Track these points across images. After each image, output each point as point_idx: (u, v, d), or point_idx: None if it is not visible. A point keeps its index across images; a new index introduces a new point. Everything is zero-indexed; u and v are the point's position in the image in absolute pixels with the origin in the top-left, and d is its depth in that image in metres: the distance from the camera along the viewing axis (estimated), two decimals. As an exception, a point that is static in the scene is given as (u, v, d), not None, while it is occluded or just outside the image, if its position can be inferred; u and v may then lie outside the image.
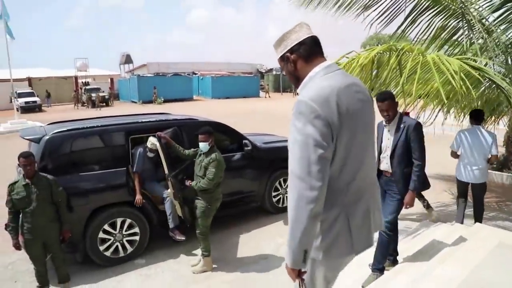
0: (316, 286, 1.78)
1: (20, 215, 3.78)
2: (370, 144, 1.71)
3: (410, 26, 6.10)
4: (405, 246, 4.27)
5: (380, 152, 3.67)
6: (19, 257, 3.95)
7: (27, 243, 3.79)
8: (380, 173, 3.68)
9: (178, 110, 6.43)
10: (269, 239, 5.42)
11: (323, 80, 1.53)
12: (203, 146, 4.35)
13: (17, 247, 3.82)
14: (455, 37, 6.19)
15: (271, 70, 54.95)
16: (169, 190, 4.78)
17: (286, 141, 5.95)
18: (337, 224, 1.59)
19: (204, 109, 24.58)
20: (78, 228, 4.45)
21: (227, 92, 38.42)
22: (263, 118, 19.69)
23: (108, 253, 4.68)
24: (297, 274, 1.55)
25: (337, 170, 1.55)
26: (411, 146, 3.42)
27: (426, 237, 4.52)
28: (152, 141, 4.84)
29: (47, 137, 4.46)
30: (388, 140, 3.57)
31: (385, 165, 3.59)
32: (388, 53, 5.00)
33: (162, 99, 33.34)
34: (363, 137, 1.62)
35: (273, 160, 6.16)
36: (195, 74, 44.37)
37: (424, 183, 3.56)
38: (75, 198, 4.42)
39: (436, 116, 6.63)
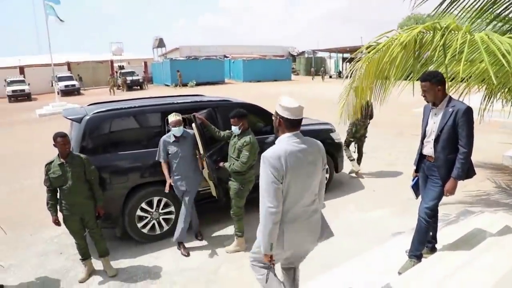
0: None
1: (58, 193, 3.97)
2: (311, 186, 2.50)
3: (455, 1, 5.70)
4: (444, 234, 4.11)
5: (424, 136, 3.50)
6: (63, 231, 4.16)
7: (66, 218, 3.99)
8: (422, 157, 3.53)
9: (210, 93, 6.49)
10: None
11: (283, 145, 2.39)
12: (235, 129, 4.38)
13: (56, 223, 4.01)
14: (507, 12, 5.73)
15: (303, 53, 54.05)
16: (204, 170, 4.84)
17: (320, 124, 5.82)
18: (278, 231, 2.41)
19: (235, 92, 24.58)
20: (117, 205, 4.62)
21: (258, 75, 38.23)
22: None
23: (145, 230, 4.84)
24: (269, 257, 2.44)
25: (283, 199, 2.39)
26: (458, 132, 3.21)
27: (466, 225, 4.34)
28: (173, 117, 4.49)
29: (88, 116, 4.61)
30: (433, 124, 3.38)
31: (429, 149, 3.43)
32: (431, 31, 4.74)
33: (195, 82, 33.71)
34: (304, 181, 2.44)
35: (307, 143, 6.08)
36: (227, 57, 44.37)
37: (469, 171, 3.36)
38: (114, 176, 4.58)
39: (486, 100, 6.24)
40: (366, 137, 7.39)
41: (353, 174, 7.46)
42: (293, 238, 2.47)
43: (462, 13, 5.72)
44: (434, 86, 3.26)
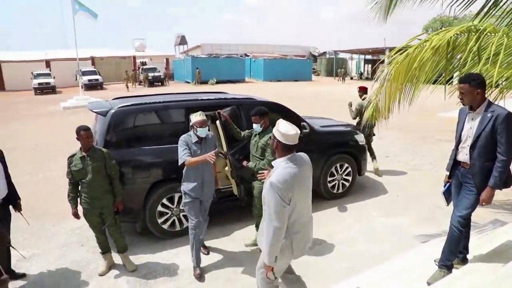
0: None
1: (79, 186, 3.98)
2: (309, 197, 2.82)
3: (493, 7, 5.47)
4: (475, 244, 3.92)
5: (459, 141, 3.32)
6: (85, 223, 4.17)
7: (86, 212, 4.00)
8: (456, 163, 3.37)
9: (231, 91, 6.45)
10: (323, 225, 5.29)
11: (286, 169, 2.58)
12: (256, 127, 4.33)
13: (75, 215, 4.02)
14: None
15: (324, 53, 53.57)
16: (226, 168, 4.79)
17: (344, 125, 5.66)
18: (284, 244, 2.66)
19: (256, 91, 24.55)
20: (138, 200, 4.62)
21: (279, 74, 38.10)
22: (318, 102, 19.29)
23: (165, 226, 4.83)
24: (271, 268, 2.66)
25: (289, 214, 2.62)
26: (496, 139, 3.02)
27: (498, 235, 4.13)
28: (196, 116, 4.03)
29: (113, 110, 4.62)
30: (470, 129, 3.20)
31: (464, 156, 3.25)
32: (466, 34, 4.55)
33: (215, 80, 33.84)
34: (305, 195, 2.75)
35: (330, 144, 5.97)
36: (248, 56, 44.39)
37: (507, 180, 3.17)
38: (136, 170, 4.58)
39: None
40: (374, 134, 7.41)
41: (374, 173, 7.46)
42: (299, 245, 2.77)
43: (501, 16, 5.48)
44: (473, 89, 3.08)
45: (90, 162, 3.86)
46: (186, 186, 4.08)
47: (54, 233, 5.20)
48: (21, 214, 4.03)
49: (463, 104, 3.26)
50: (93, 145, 3.97)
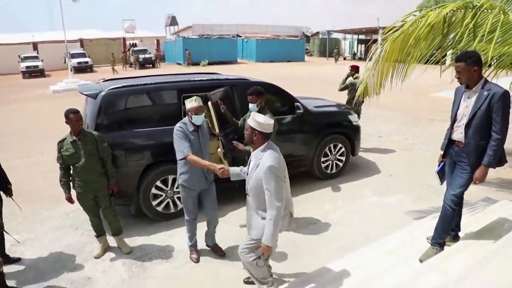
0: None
1: (71, 171, 3.90)
2: (287, 176, 3.03)
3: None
4: (466, 222, 3.98)
5: (454, 120, 3.30)
6: (78, 207, 4.14)
7: (79, 196, 3.96)
8: (451, 142, 3.37)
9: (223, 73, 6.35)
10: (317, 205, 5.33)
11: (274, 152, 2.85)
12: (252, 106, 4.26)
13: (69, 200, 3.99)
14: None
15: (317, 33, 53.03)
16: (219, 150, 4.76)
17: (338, 106, 5.59)
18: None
19: (248, 72, 24.30)
20: (132, 182, 4.59)
21: (271, 55, 37.72)
22: (311, 82, 19.18)
23: (160, 208, 4.82)
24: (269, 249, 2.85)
25: None
26: (492, 117, 3.01)
27: (490, 214, 4.20)
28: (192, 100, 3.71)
29: (104, 92, 4.52)
30: (466, 107, 3.18)
31: (459, 134, 3.25)
32: (462, 10, 4.49)
33: (207, 62, 33.40)
34: (286, 174, 2.98)
35: (324, 124, 5.95)
36: (240, 36, 43.75)
37: (500, 159, 3.19)
38: (129, 153, 4.53)
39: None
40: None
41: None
42: (288, 220, 3.06)
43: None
44: (470, 67, 3.04)
45: (82, 146, 3.77)
46: (183, 178, 3.80)
47: (47, 217, 5.17)
48: (13, 199, 3.97)
49: (460, 83, 3.23)
50: (83, 128, 3.88)
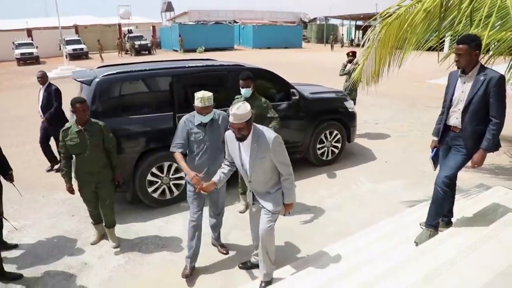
0: None
1: (73, 160, 3.83)
2: None
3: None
4: (459, 208, 4.02)
5: (449, 106, 3.29)
6: (76, 194, 4.15)
7: (81, 187, 3.89)
8: (446, 128, 3.36)
9: (219, 60, 6.30)
10: (313, 191, 5.37)
11: (266, 128, 3.00)
12: (246, 91, 4.23)
13: (70, 190, 3.92)
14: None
15: (314, 19, 52.56)
16: None
17: (334, 92, 5.58)
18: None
19: (245, 58, 24.15)
20: (128, 169, 4.59)
21: (268, 42, 37.43)
22: (308, 69, 19.08)
23: (155, 195, 4.84)
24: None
25: None
26: (489, 102, 3.00)
27: (483, 199, 4.24)
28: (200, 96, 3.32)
29: (98, 79, 4.49)
30: (462, 93, 3.16)
31: (455, 120, 3.24)
32: (459, -6, 4.45)
33: (203, 48, 33.09)
34: None
35: (320, 111, 5.95)
36: (236, 22, 43.28)
37: (497, 144, 3.20)
38: (124, 140, 4.52)
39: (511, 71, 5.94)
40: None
41: None
42: None
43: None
44: (472, 50, 2.99)
45: (88, 137, 3.67)
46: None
47: (44, 204, 5.18)
48: (14, 185, 3.97)
49: (458, 67, 3.19)
50: (89, 118, 3.76)
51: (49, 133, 6.18)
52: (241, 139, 2.86)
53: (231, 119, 2.76)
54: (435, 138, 3.57)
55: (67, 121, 4.60)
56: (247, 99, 4.21)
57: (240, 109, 2.74)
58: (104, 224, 4.16)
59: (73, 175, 3.96)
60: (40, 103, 6.19)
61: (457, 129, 3.26)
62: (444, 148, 3.47)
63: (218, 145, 3.50)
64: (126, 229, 4.40)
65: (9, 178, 3.95)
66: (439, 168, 3.55)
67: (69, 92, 6.28)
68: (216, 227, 3.94)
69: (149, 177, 4.73)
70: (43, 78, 6.19)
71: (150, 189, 4.78)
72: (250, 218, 3.43)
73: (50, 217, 4.82)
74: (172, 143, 3.48)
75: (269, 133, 2.90)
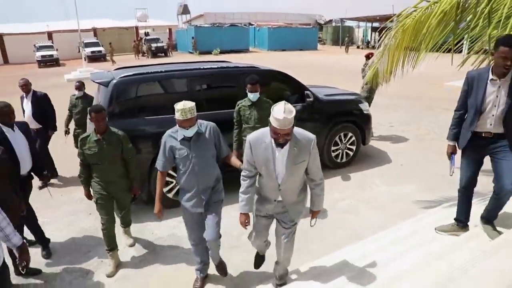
0: None
1: (91, 168, 3.71)
2: None
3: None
4: (477, 212, 3.93)
5: (479, 111, 3.08)
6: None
7: (97, 196, 3.75)
8: (475, 135, 3.18)
9: (234, 61, 6.39)
10: (326, 193, 5.27)
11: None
12: (254, 96, 4.21)
13: (88, 196, 3.87)
14: None
15: (330, 21, 52.25)
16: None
17: (349, 94, 5.52)
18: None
19: (260, 60, 24.21)
20: (143, 169, 4.67)
21: (284, 44, 37.42)
22: (322, 71, 18.99)
23: (170, 195, 4.90)
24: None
25: None
26: None
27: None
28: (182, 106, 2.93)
29: (115, 80, 4.59)
30: (496, 97, 2.99)
31: (488, 125, 3.09)
32: (477, -5, 4.37)
33: (219, 50, 33.34)
34: None
35: (334, 113, 5.94)
36: (252, 25, 43.42)
37: None
38: (140, 140, 4.60)
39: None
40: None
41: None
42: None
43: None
44: None
45: (106, 146, 3.55)
46: (181, 194, 3.31)
47: (62, 202, 5.32)
48: (47, 185, 4.08)
49: (506, 71, 2.89)
50: (108, 127, 3.63)
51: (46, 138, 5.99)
52: (283, 144, 2.55)
53: (278, 125, 2.40)
54: (452, 143, 3.44)
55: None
56: (254, 103, 4.23)
57: (288, 112, 2.39)
58: (121, 223, 4.19)
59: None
60: (29, 112, 5.74)
61: (489, 134, 3.12)
62: (472, 156, 3.29)
63: (207, 162, 3.13)
64: (141, 228, 4.48)
65: (43, 178, 4.09)
66: (459, 175, 3.44)
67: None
68: (210, 254, 3.47)
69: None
70: (27, 86, 5.77)
71: (165, 189, 4.84)
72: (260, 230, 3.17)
73: (68, 215, 4.94)
74: (157, 161, 3.22)
75: (307, 133, 2.65)
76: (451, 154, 3.50)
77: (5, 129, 3.68)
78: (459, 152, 3.45)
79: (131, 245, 4.18)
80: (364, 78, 7.41)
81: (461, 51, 5.68)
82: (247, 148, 2.73)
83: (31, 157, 3.84)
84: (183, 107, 2.89)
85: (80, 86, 6.20)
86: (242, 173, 2.88)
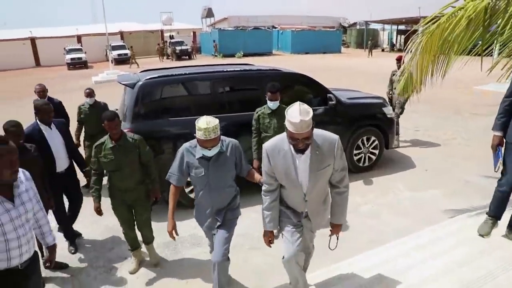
0: None
1: (105, 176, 3.60)
2: None
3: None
4: (507, 218, 3.82)
5: None
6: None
7: (115, 205, 3.65)
8: None
9: (257, 64, 6.44)
10: (348, 197, 5.28)
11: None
12: (274, 104, 4.14)
13: (98, 211, 3.64)
14: None
15: (354, 24, 51.67)
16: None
17: (372, 97, 5.46)
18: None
19: (283, 63, 24.22)
20: (166, 170, 4.73)
21: (307, 47, 37.28)
22: (346, 74, 18.81)
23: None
24: None
25: None
26: None
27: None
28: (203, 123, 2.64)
29: (141, 82, 4.72)
30: None
31: None
32: (506, -1, 4.24)
33: (242, 53, 33.56)
34: None
35: (357, 116, 5.88)
36: (275, 28, 43.52)
37: None
38: (164, 141, 4.71)
39: None
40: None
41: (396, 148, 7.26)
42: None
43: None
44: None
45: (122, 153, 3.40)
46: (195, 211, 3.15)
47: (88, 201, 5.46)
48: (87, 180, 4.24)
49: None
50: (123, 132, 3.49)
51: None
52: (304, 150, 2.32)
53: (294, 129, 2.17)
54: (499, 134, 3.21)
55: None
56: (274, 111, 4.21)
57: (304, 113, 2.16)
58: (143, 240, 3.96)
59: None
60: None
61: None
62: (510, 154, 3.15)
63: (226, 183, 2.91)
64: (162, 227, 4.54)
65: (87, 173, 4.27)
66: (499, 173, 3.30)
67: (114, 95, 6.62)
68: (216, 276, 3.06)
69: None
70: (44, 93, 5.60)
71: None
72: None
73: (93, 214, 5.04)
74: (168, 173, 2.98)
75: (329, 134, 2.42)
76: (497, 146, 3.25)
77: (43, 127, 3.85)
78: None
79: (156, 265, 3.91)
80: (396, 88, 7.08)
81: (491, 55, 5.53)
82: (265, 158, 2.49)
83: (68, 154, 4.04)
84: (207, 126, 2.56)
85: (91, 92, 5.85)
86: (263, 188, 2.65)
